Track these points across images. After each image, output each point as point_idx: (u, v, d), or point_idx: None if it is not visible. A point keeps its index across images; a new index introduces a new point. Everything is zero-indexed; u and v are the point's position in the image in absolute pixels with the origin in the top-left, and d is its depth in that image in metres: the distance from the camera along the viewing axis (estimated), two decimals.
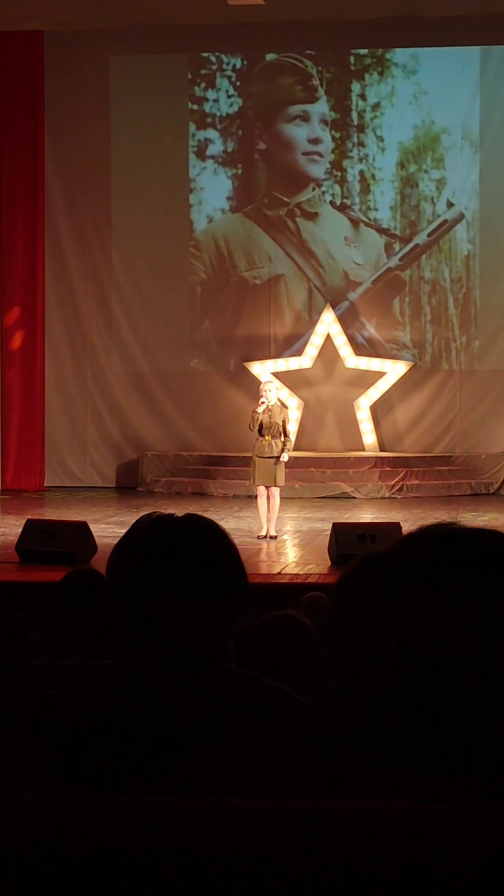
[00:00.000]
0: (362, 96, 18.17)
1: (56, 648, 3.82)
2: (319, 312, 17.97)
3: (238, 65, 18.26)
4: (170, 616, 2.16)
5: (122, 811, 1.34)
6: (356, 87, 18.18)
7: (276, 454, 12.65)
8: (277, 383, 17.85)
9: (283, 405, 13.25)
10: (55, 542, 10.72)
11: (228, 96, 18.36)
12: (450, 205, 17.94)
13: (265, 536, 12.56)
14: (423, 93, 18.00)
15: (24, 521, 11.41)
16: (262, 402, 12.68)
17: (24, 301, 18.11)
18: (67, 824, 1.32)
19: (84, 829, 1.32)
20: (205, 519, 2.31)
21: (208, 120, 18.33)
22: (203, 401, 18.11)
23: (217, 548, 2.25)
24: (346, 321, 17.94)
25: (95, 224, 18.28)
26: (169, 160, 18.19)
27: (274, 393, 12.88)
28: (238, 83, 18.32)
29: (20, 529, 11.21)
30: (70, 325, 18.40)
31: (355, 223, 18.11)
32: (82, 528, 11.02)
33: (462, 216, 17.91)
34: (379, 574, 1.61)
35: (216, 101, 18.34)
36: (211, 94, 18.33)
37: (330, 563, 10.72)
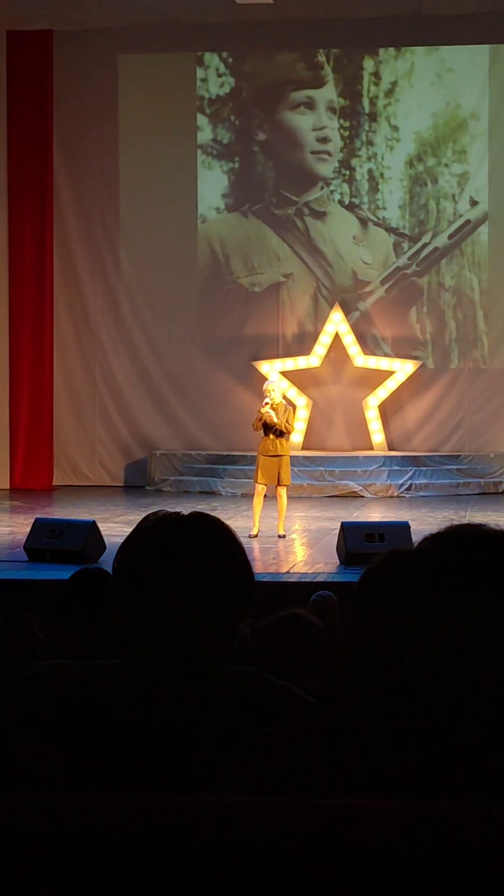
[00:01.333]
0: (375, 75, 17.89)
1: (63, 647, 3.82)
2: (328, 311, 17.96)
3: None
4: (175, 614, 2.15)
5: (128, 810, 1.33)
6: (369, 64, 17.95)
7: (280, 453, 12.64)
8: (285, 382, 17.85)
9: (289, 403, 13.22)
10: (63, 541, 10.73)
11: (219, 75, 18.23)
12: (473, 203, 17.83)
13: (255, 535, 12.53)
14: (448, 70, 17.77)
15: (32, 520, 11.42)
16: (267, 403, 12.68)
17: (33, 299, 18.11)
18: (73, 823, 1.32)
19: (90, 827, 1.31)
20: (211, 517, 2.31)
21: (196, 103, 18.22)
22: (211, 400, 18.11)
23: (223, 546, 2.25)
24: (358, 322, 17.93)
25: (104, 222, 18.29)
26: (177, 158, 18.17)
27: (278, 392, 12.87)
28: (230, 60, 18.15)
29: (29, 528, 11.22)
30: (78, 324, 18.41)
31: (364, 222, 18.07)
32: (90, 526, 11.03)
33: (486, 216, 17.80)
34: (404, 573, 1.60)
35: (204, 80, 18.20)
36: (199, 73, 18.17)
37: (338, 563, 10.71)
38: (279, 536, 12.56)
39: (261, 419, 12.63)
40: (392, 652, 1.55)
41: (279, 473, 12.63)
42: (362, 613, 1.62)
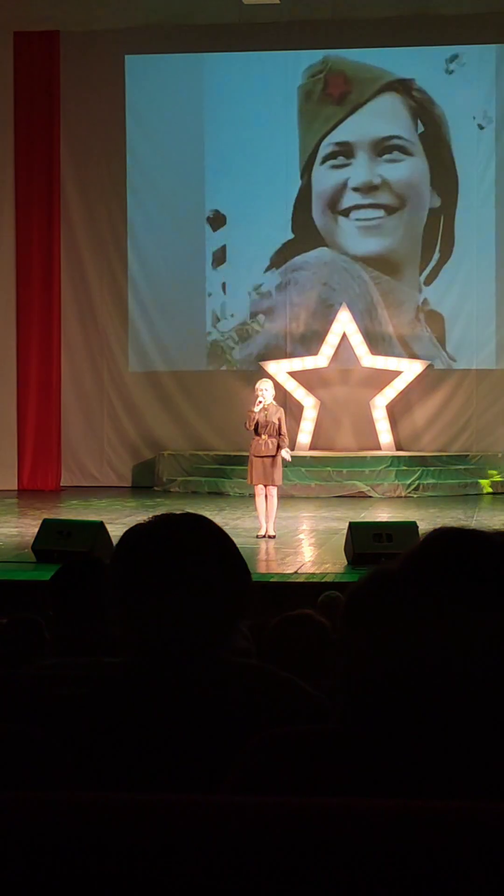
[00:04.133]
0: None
1: (64, 643, 3.81)
2: (335, 311, 17.95)
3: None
4: (172, 615, 2.16)
5: (132, 810, 1.33)
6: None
7: (272, 453, 12.62)
8: (293, 383, 17.86)
9: (280, 405, 13.21)
10: (71, 542, 10.73)
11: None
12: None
13: (264, 536, 12.50)
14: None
15: (40, 521, 11.43)
16: (259, 402, 12.68)
17: (41, 300, 18.14)
18: (76, 823, 1.32)
19: (93, 827, 1.31)
20: (203, 518, 2.31)
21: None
22: (219, 400, 18.11)
23: (216, 545, 2.26)
24: (363, 319, 17.94)
25: (111, 222, 18.30)
26: (185, 158, 18.18)
27: (270, 392, 12.85)
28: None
29: (36, 529, 11.22)
30: (86, 325, 18.42)
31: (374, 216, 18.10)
32: (98, 527, 11.03)
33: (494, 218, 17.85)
34: (388, 593, 1.61)
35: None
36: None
37: (346, 563, 10.70)
38: (269, 537, 12.50)
39: (253, 419, 12.64)
40: (382, 673, 1.55)
41: (273, 474, 12.60)
42: (351, 635, 1.62)
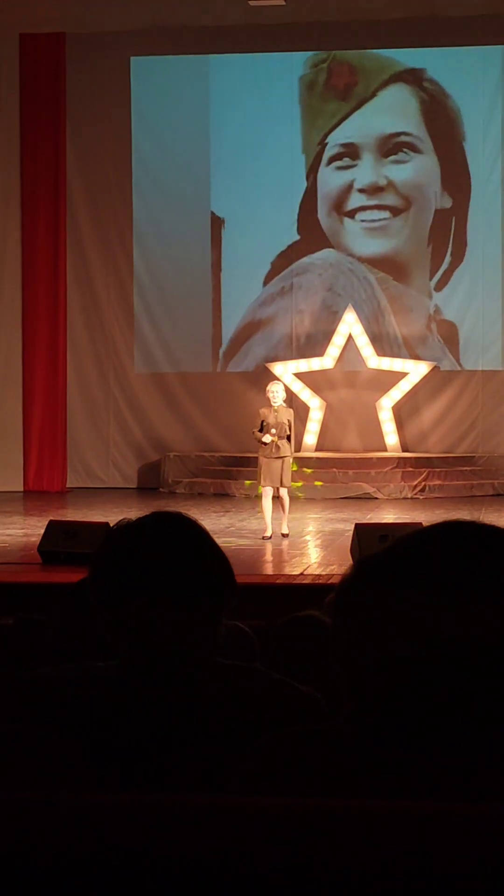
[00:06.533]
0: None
1: (72, 651, 3.81)
2: (341, 312, 17.95)
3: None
4: (158, 615, 2.16)
5: (133, 811, 1.33)
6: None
7: (281, 455, 12.63)
8: (299, 384, 17.86)
9: (288, 406, 13.20)
10: (77, 543, 10.72)
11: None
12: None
13: (270, 537, 12.51)
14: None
15: (46, 522, 11.43)
16: (272, 407, 12.69)
17: (46, 301, 18.15)
18: (76, 823, 1.31)
19: (94, 828, 1.31)
20: (174, 514, 2.31)
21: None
22: (225, 401, 18.12)
23: (192, 540, 2.26)
24: (371, 323, 17.93)
25: (117, 224, 18.32)
26: (190, 160, 18.20)
27: (281, 394, 12.86)
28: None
29: (42, 530, 11.22)
30: (92, 326, 18.44)
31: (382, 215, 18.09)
32: (104, 528, 11.02)
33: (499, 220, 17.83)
34: (376, 577, 1.60)
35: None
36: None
37: (352, 564, 10.67)
38: (283, 535, 12.54)
39: (259, 440, 12.63)
40: (374, 657, 1.54)
41: (281, 475, 12.61)
42: (343, 621, 1.61)
